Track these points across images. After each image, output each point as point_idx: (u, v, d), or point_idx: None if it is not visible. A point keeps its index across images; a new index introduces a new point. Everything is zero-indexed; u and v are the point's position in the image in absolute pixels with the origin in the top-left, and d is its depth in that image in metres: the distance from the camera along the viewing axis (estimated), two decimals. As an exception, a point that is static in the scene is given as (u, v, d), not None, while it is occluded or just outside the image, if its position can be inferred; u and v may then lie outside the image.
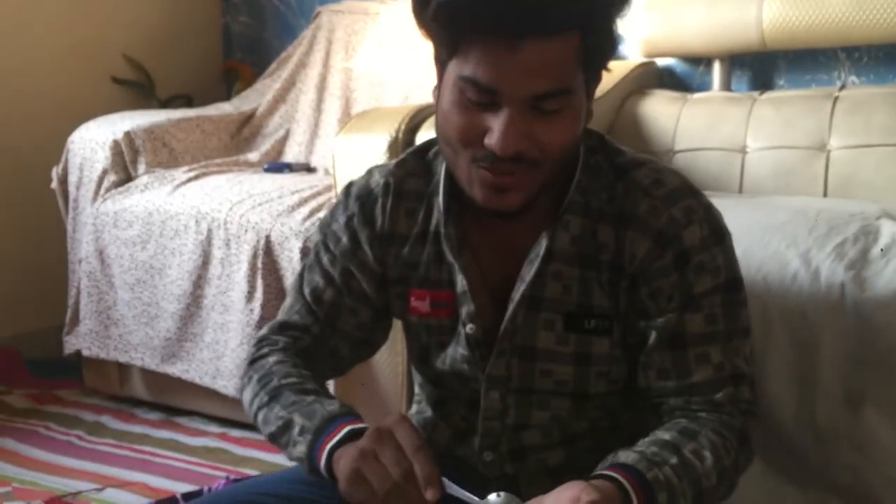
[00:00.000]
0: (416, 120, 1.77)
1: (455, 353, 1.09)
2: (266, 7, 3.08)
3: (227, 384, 2.13)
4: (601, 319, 1.04)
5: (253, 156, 2.68)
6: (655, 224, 1.01)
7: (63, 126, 2.47)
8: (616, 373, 1.06)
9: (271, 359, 1.10)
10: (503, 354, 1.06)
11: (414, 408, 1.23)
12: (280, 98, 2.80)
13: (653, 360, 1.03)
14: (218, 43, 3.18)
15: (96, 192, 2.37)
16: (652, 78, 2.24)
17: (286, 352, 1.11)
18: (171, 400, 2.34)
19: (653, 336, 1.02)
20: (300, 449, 0.99)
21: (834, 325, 1.31)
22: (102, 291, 2.32)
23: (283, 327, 1.16)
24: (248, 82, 3.00)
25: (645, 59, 2.23)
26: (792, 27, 1.99)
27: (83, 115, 2.51)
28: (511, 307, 1.04)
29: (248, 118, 2.78)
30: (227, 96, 3.02)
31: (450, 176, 1.05)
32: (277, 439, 1.03)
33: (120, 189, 2.36)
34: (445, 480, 0.88)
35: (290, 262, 2.03)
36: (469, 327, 1.06)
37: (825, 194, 1.78)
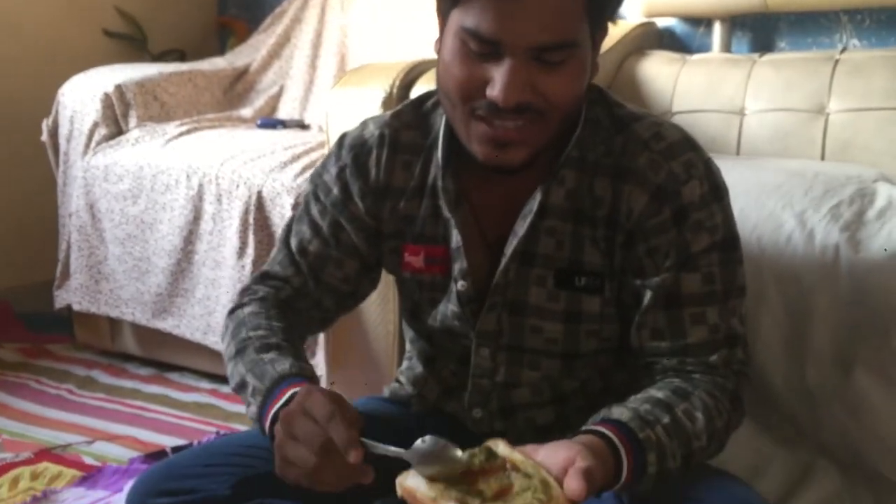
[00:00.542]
0: (411, 75, 1.75)
1: (446, 309, 1.08)
2: (261, -39, 3.03)
3: (217, 340, 2.12)
4: (592, 277, 1.03)
5: (246, 112, 2.65)
6: (654, 178, 1.00)
7: (54, 78, 2.44)
8: (607, 331, 1.06)
9: (247, 309, 1.09)
10: (494, 308, 1.05)
11: (405, 363, 1.23)
12: (274, 54, 2.77)
13: (646, 319, 1.02)
14: (212, -3, 3.13)
15: (87, 146, 2.34)
16: (652, 38, 2.21)
17: (264, 301, 1.11)
18: (162, 355, 2.34)
19: (648, 295, 1.01)
20: (252, 410, 0.99)
21: (827, 286, 1.31)
22: (93, 246, 2.31)
23: (264, 277, 1.15)
24: (243, 38, 2.96)
25: (645, 20, 2.20)
26: (794, -12, 1.96)
27: (74, 67, 2.47)
28: (503, 261, 1.04)
29: (241, 73, 2.75)
30: (221, 52, 2.98)
31: (450, 129, 1.04)
32: (240, 395, 1.03)
33: (111, 143, 2.33)
34: (368, 441, 0.87)
35: (282, 218, 2.01)
36: (461, 284, 1.06)
37: (823, 157, 1.77)
